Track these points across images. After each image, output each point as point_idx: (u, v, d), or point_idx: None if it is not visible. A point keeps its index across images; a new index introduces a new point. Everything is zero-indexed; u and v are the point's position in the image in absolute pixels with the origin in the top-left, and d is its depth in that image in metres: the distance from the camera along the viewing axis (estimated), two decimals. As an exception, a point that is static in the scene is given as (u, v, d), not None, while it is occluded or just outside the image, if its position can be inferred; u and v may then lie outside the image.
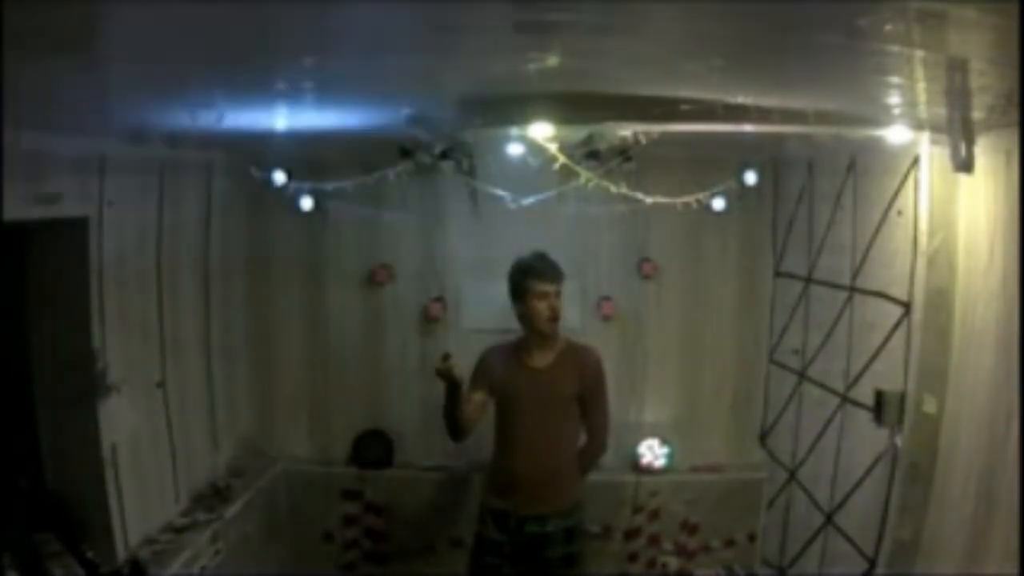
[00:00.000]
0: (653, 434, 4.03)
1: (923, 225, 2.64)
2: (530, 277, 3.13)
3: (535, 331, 3.18)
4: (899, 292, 2.79)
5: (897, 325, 2.80)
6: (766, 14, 1.25)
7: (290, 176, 3.73)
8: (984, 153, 2.17)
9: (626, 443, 4.03)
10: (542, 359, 3.20)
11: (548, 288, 3.12)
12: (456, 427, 3.13)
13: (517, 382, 3.17)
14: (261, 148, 3.53)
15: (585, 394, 3.22)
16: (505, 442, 3.22)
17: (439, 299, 4.02)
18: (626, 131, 2.72)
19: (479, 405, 3.20)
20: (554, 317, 3.14)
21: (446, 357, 2.93)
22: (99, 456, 2.74)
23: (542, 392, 3.15)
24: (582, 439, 3.31)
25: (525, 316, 3.17)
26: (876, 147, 2.78)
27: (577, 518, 3.26)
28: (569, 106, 2.36)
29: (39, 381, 2.76)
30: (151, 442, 3.12)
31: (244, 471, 3.79)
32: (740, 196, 3.74)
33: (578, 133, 2.88)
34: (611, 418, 3.35)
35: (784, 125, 2.37)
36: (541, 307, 3.12)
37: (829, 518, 3.29)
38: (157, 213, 3.15)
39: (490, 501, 3.26)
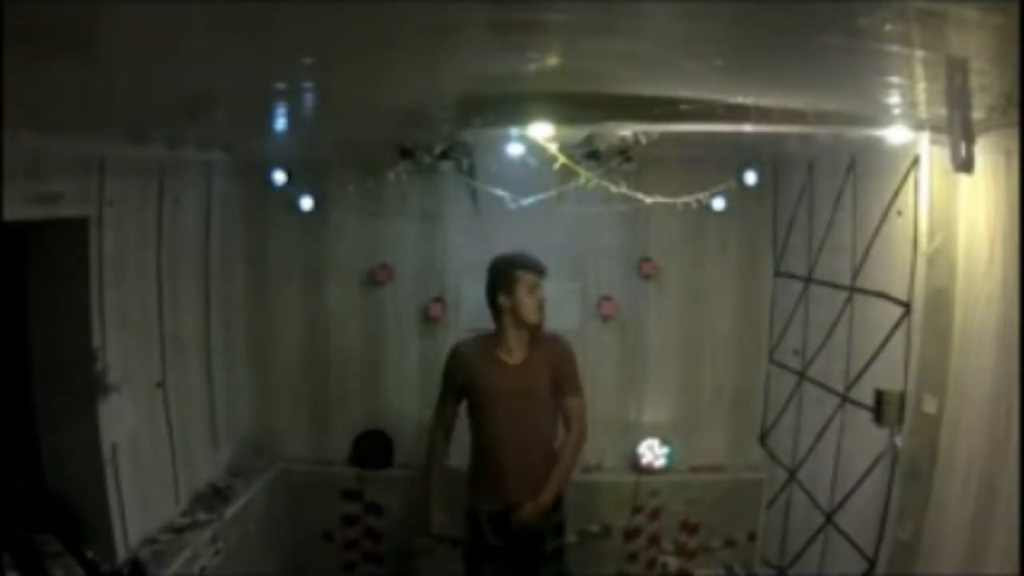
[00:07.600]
0: (653, 434, 4.02)
1: (923, 225, 2.63)
2: (519, 268, 3.10)
3: (521, 324, 3.12)
4: (899, 292, 2.79)
5: (897, 325, 2.80)
6: (766, 14, 1.25)
7: (290, 176, 3.75)
8: (984, 153, 2.16)
9: (626, 443, 4.04)
10: (517, 354, 3.16)
11: (536, 280, 3.10)
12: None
13: (494, 378, 3.14)
14: (261, 148, 3.54)
15: (559, 379, 3.17)
16: (489, 440, 3.17)
17: (439, 299, 4.02)
18: (626, 131, 2.72)
19: (458, 411, 3.27)
20: (542, 308, 3.12)
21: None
22: (99, 456, 2.74)
23: (520, 387, 3.12)
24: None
25: (511, 308, 3.10)
26: (876, 147, 2.78)
27: (562, 511, 3.25)
28: (569, 106, 2.36)
29: (39, 381, 2.75)
30: (151, 442, 3.12)
31: (244, 471, 3.79)
32: (740, 196, 3.76)
33: (578, 133, 2.88)
34: (587, 404, 3.26)
35: (784, 125, 2.37)
36: (530, 299, 3.08)
37: (829, 518, 3.29)
38: (157, 213, 3.15)
39: (483, 504, 3.19)
